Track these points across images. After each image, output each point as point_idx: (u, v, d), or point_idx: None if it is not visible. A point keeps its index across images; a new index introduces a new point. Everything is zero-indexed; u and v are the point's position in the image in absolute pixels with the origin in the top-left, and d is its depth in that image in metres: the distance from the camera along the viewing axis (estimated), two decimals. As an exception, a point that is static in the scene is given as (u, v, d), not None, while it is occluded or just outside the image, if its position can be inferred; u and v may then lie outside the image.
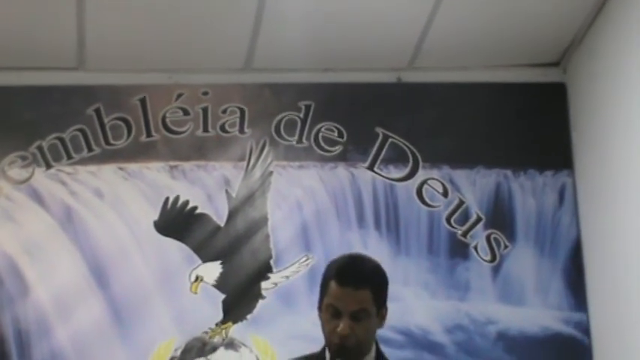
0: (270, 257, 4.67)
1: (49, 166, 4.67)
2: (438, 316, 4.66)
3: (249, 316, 4.60)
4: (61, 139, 4.69)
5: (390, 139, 4.82)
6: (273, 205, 4.72)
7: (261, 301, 4.61)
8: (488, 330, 4.66)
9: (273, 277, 4.61)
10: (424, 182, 4.80)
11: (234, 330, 4.58)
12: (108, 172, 4.69)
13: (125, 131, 4.73)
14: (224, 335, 4.58)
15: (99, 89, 4.74)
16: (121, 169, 4.70)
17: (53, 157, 4.67)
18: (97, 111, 4.72)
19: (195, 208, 4.70)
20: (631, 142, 4.23)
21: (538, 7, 4.47)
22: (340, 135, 4.82)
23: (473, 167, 4.82)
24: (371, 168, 4.80)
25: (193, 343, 4.56)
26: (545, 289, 4.71)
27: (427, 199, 4.78)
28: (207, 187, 4.72)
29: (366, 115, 4.83)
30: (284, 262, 4.67)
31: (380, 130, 4.83)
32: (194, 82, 4.80)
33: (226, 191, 4.72)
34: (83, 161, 4.68)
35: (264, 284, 4.62)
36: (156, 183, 4.70)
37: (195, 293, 4.60)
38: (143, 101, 4.76)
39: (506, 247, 4.75)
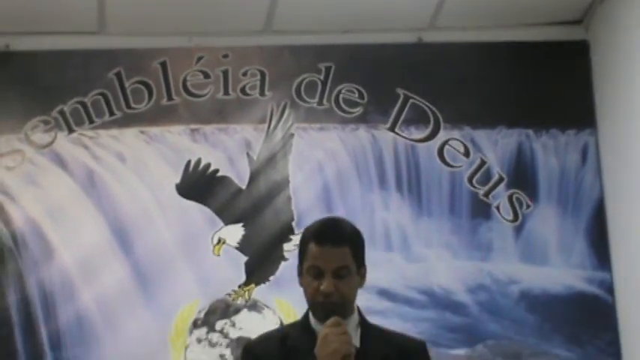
0: (292, 219, 4.68)
1: (71, 131, 4.69)
2: (461, 276, 4.66)
3: (271, 278, 4.61)
4: (83, 104, 4.71)
5: (411, 100, 4.80)
6: (295, 167, 4.72)
7: (283, 263, 4.62)
8: (510, 289, 4.66)
9: (295, 238, 4.61)
10: (445, 143, 4.78)
11: (257, 292, 4.60)
12: (129, 135, 4.71)
13: (146, 95, 4.74)
14: (247, 297, 4.59)
15: (119, 53, 4.75)
16: (142, 132, 4.71)
17: (75, 121, 4.69)
18: (118, 75, 4.73)
19: (216, 170, 4.71)
20: (653, 99, 4.20)
21: (560, -35, 4.44)
22: (361, 96, 4.80)
23: (494, 127, 4.79)
24: (392, 129, 4.78)
25: (217, 305, 4.58)
26: (568, 248, 4.70)
27: (449, 160, 4.77)
28: (229, 150, 4.73)
29: (386, 76, 4.81)
30: (306, 223, 4.56)
31: (401, 91, 4.80)
32: (214, 44, 4.79)
33: (247, 154, 4.72)
34: (105, 125, 4.70)
35: (286, 246, 4.63)
36: (177, 146, 4.71)
37: (218, 255, 4.61)
38: (164, 64, 4.76)
39: (528, 206, 4.73)
